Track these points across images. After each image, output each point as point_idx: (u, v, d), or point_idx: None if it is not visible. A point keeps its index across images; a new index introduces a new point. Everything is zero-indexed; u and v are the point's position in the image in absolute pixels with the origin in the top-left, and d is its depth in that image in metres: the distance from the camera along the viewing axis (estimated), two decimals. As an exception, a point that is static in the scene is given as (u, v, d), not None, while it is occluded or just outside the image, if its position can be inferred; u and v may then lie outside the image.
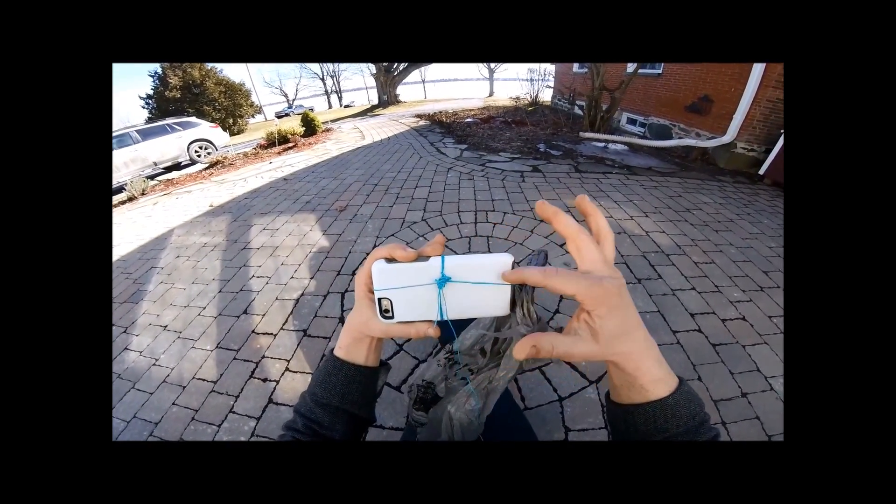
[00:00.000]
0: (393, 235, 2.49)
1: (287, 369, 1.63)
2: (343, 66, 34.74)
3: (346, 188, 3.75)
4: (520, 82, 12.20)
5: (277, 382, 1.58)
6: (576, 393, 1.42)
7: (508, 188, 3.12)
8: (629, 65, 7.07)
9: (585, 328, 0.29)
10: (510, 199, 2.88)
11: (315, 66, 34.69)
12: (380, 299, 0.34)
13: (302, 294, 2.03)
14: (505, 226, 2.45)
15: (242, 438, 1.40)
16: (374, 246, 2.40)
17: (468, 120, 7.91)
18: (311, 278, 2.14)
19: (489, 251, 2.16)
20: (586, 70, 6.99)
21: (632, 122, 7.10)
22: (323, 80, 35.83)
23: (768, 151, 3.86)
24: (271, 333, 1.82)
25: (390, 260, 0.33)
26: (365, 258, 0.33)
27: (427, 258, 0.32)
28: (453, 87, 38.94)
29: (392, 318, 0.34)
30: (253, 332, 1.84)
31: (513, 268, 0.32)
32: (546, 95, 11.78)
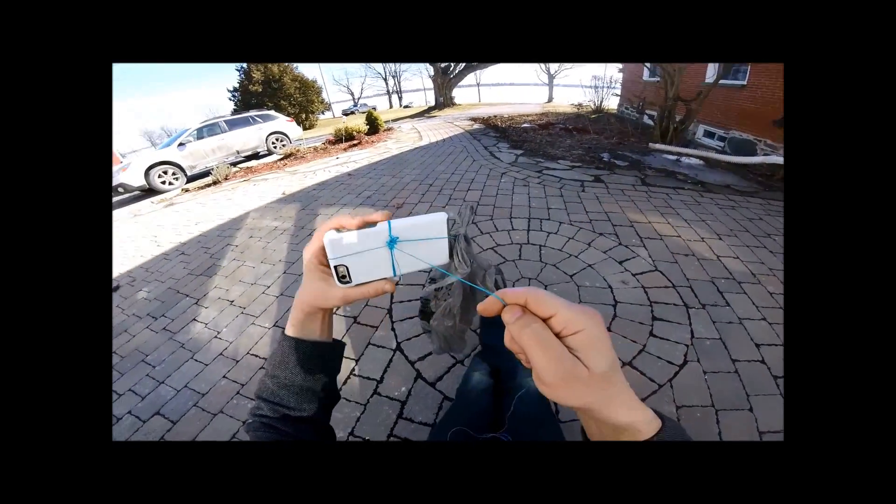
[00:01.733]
0: None
1: None
2: (404, 66, 35.91)
3: (404, 186, 3.90)
4: (582, 89, 11.75)
5: None
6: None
7: (566, 197, 3.01)
8: (708, 75, 6.52)
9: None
10: (567, 208, 2.78)
11: (379, 66, 36.23)
12: (336, 266, 0.37)
13: None
14: (560, 236, 2.37)
15: None
16: None
17: (525, 125, 7.79)
18: None
19: (541, 261, 2.18)
20: (658, 79, 6.56)
21: (709, 134, 6.53)
22: (385, 80, 37.34)
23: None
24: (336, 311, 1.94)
25: (340, 230, 0.37)
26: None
27: (374, 224, 0.37)
28: (509, 91, 38.42)
29: (350, 281, 0.38)
30: None
31: (448, 224, 0.37)
32: (612, 103, 11.22)
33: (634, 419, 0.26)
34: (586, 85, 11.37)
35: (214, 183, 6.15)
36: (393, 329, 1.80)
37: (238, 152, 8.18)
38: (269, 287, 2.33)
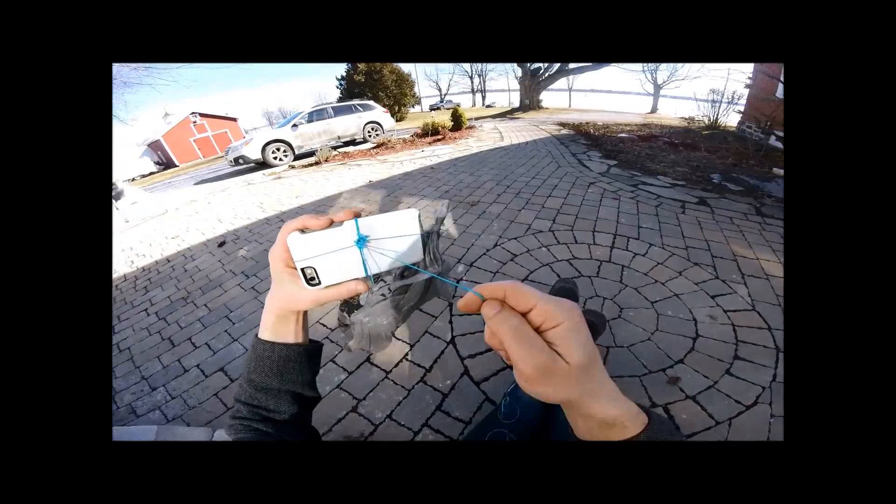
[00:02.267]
0: (515, 239, 2.48)
1: (393, 335, 1.83)
2: (490, 66, 35.71)
3: (480, 185, 3.91)
4: (696, 102, 10.45)
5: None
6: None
7: (662, 217, 2.71)
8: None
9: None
10: (661, 230, 2.50)
11: (466, 65, 36.65)
12: (303, 269, 0.35)
13: None
14: (648, 259, 2.15)
15: (326, 388, 1.55)
16: (495, 244, 2.44)
17: (622, 135, 7.21)
18: None
19: (622, 283, 2.01)
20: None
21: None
22: (471, 77, 37.67)
23: None
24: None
25: (304, 230, 0.35)
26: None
27: (341, 223, 0.34)
28: (605, 98, 35.78)
29: (319, 283, 0.36)
30: None
31: (419, 220, 0.35)
32: (731, 120, 9.82)
33: (619, 413, 0.26)
34: (701, 98, 10.10)
35: (317, 163, 6.89)
36: (451, 322, 1.83)
37: (339, 137, 9.02)
38: None
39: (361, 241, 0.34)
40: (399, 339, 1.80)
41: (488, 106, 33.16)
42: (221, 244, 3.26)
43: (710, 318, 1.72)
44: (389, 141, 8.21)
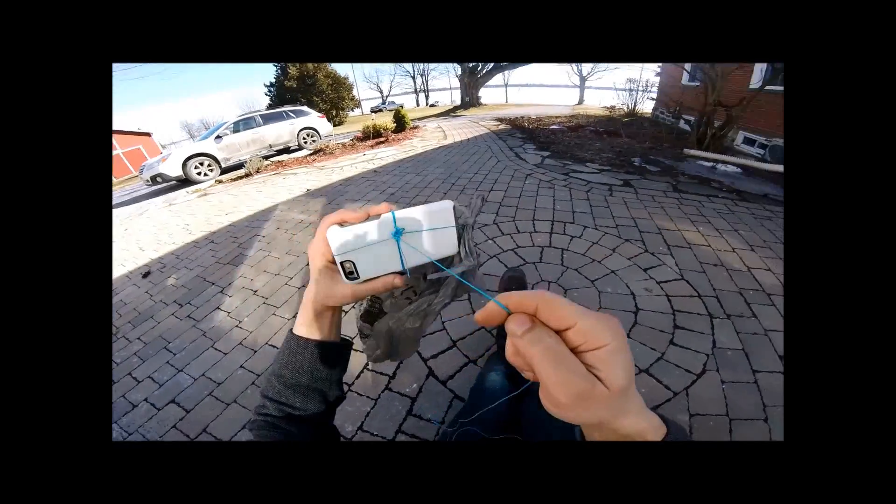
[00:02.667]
0: None
1: (353, 348, 1.77)
2: (432, 65, 36.07)
3: (427, 184, 3.91)
4: (616, 92, 11.41)
5: None
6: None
7: (593, 201, 2.92)
8: (753, 80, 6.17)
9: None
10: (593, 212, 2.70)
11: (408, 65, 36.58)
12: (342, 263, 0.35)
13: None
14: (584, 240, 2.30)
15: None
16: None
17: (553, 127, 7.64)
18: None
19: (563, 265, 2.12)
20: (699, 83, 6.25)
21: (749, 142, 6.17)
22: (413, 78, 37.66)
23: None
24: (343, 310, 1.97)
25: (343, 224, 0.35)
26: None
27: (378, 216, 0.35)
28: (538, 92, 37.71)
29: (357, 277, 0.36)
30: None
31: (454, 211, 0.35)
32: (647, 107, 10.84)
33: (645, 427, 0.24)
34: (620, 87, 11.04)
35: (247, 175, 6.40)
36: None
37: (271, 146, 8.48)
38: (291, 278, 2.38)
39: (398, 234, 0.34)
40: (356, 351, 1.74)
41: (432, 105, 33.26)
42: (146, 274, 2.90)
43: (647, 291, 1.86)
44: (328, 146, 7.90)
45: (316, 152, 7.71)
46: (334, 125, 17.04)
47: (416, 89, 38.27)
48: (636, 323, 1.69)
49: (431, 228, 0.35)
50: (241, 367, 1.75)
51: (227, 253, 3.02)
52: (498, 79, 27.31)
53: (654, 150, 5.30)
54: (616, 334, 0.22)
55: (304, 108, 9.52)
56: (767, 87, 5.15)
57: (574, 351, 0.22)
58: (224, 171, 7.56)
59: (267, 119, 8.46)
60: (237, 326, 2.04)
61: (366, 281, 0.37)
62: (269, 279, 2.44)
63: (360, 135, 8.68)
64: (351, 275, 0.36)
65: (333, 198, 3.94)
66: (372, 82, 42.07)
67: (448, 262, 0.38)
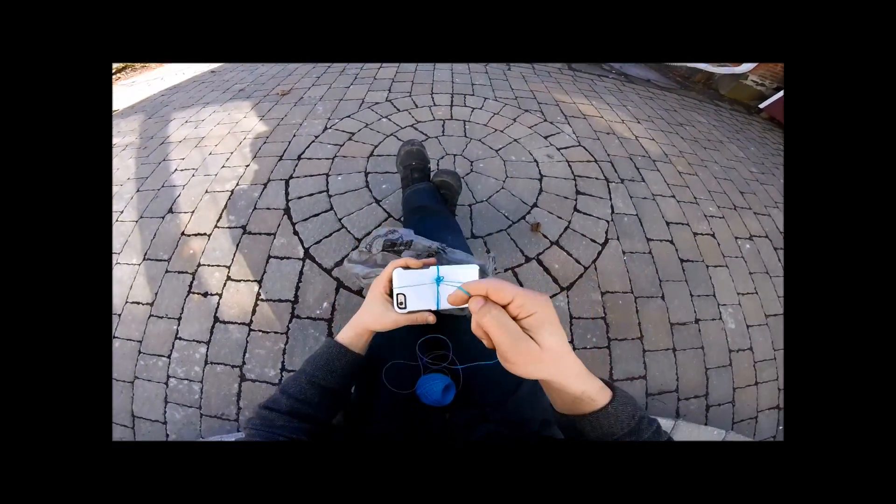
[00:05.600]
0: (349, 117, 2.08)
1: (228, 278, 1.38)
2: None
3: (291, 72, 3.01)
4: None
5: (220, 296, 1.34)
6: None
7: (492, 75, 2.70)
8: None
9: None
10: (493, 85, 2.51)
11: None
12: (398, 294, 0.51)
13: (237, 185, 1.66)
14: (485, 111, 2.14)
15: (196, 368, 1.27)
16: (325, 128, 2.01)
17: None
18: (247, 166, 1.76)
19: (466, 136, 1.94)
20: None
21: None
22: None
23: (779, 89, 3.78)
24: (204, 234, 1.51)
25: (406, 268, 0.52)
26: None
27: (427, 266, 0.52)
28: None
29: (405, 308, 0.51)
30: (183, 234, 1.51)
31: (480, 273, 0.49)
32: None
33: (586, 388, 0.32)
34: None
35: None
36: (296, 233, 1.46)
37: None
38: (122, 212, 1.70)
39: (439, 280, 0.51)
40: (241, 281, 1.38)
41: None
42: None
43: (548, 157, 1.86)
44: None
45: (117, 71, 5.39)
46: None
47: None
48: (542, 191, 1.70)
49: (460, 283, 0.43)
50: (114, 337, 1.37)
51: None
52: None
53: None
54: (543, 306, 0.31)
55: None
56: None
57: (515, 319, 0.31)
58: None
59: None
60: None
61: (408, 313, 0.50)
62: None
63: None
64: (401, 305, 0.51)
65: (155, 111, 2.72)
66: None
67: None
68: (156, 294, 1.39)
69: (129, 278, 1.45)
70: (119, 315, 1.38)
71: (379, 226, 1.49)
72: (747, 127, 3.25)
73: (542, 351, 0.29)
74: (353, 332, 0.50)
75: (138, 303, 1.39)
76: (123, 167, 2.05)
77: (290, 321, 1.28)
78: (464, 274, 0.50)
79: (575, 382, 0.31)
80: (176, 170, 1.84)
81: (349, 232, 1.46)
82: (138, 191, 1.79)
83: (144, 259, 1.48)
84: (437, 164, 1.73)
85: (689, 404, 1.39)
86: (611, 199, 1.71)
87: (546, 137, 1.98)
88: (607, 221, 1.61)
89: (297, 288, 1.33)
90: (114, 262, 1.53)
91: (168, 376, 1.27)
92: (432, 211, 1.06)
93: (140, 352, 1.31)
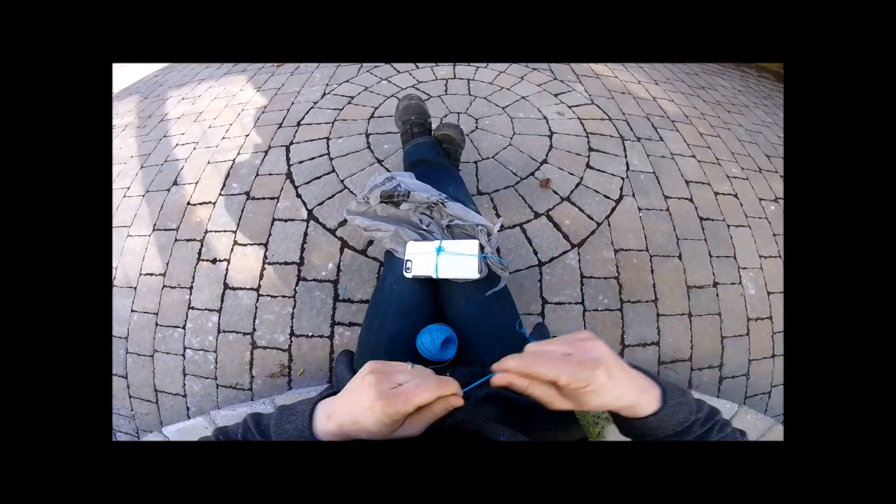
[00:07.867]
0: (347, 81, 2.00)
1: (235, 242, 1.37)
2: None
3: None
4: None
5: (228, 261, 1.34)
6: (556, 258, 1.32)
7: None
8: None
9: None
10: (499, 43, 2.36)
11: None
12: (406, 260, 0.66)
13: (238, 154, 1.65)
14: (490, 70, 2.02)
15: (210, 338, 1.28)
16: (323, 94, 1.94)
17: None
18: (247, 136, 1.74)
19: (470, 94, 1.84)
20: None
21: None
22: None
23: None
24: (209, 202, 1.50)
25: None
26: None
27: (432, 240, 0.64)
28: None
29: (410, 271, 0.65)
30: (188, 203, 1.52)
31: (480, 249, 0.62)
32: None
33: (633, 399, 0.32)
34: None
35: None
36: (299, 195, 1.44)
37: None
38: (128, 188, 1.70)
39: (439, 249, 0.62)
40: (247, 245, 1.37)
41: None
42: None
43: (559, 115, 1.77)
44: None
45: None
46: None
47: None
48: (552, 147, 1.61)
49: (459, 253, 0.61)
50: (132, 311, 1.40)
51: None
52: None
53: None
54: (594, 376, 0.30)
55: None
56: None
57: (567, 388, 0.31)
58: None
59: None
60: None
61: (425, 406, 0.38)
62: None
63: None
64: (407, 270, 0.65)
65: (150, 91, 2.61)
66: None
67: (474, 282, 0.66)
68: (167, 264, 1.40)
69: (140, 249, 1.46)
70: (135, 288, 1.40)
71: (376, 173, 1.43)
72: (776, 94, 3.03)
73: (602, 398, 0.31)
74: (340, 432, 0.36)
75: (151, 274, 1.40)
76: (125, 146, 2.03)
77: (297, 284, 1.27)
78: (465, 247, 0.59)
79: (642, 397, 0.32)
80: (177, 144, 1.83)
81: (352, 192, 1.43)
82: (142, 167, 1.79)
83: (154, 230, 1.49)
84: (441, 122, 1.65)
85: (703, 375, 1.31)
86: (626, 156, 1.61)
87: (556, 95, 1.86)
88: (622, 178, 1.52)
89: (303, 249, 1.32)
90: (125, 234, 1.55)
91: (184, 347, 1.28)
92: (433, 163, 1.01)
93: (157, 324, 1.33)
